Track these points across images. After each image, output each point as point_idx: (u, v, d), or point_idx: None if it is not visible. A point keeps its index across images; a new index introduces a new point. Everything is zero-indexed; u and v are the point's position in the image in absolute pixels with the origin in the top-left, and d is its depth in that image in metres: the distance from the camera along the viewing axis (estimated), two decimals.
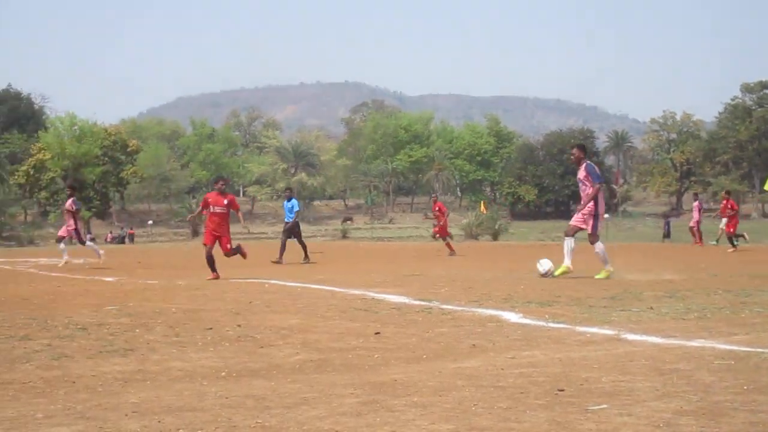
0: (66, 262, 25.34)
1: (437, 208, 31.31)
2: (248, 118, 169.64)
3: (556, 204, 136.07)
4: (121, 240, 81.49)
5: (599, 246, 16.75)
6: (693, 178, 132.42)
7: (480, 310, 10.77)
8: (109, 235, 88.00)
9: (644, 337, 8.32)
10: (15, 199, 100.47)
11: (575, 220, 17.01)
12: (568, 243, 16.84)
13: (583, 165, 16.95)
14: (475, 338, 8.48)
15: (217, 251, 18.72)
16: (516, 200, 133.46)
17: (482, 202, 62.73)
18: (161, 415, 5.36)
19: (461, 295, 12.91)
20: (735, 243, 32.08)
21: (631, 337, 8.38)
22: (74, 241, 26.81)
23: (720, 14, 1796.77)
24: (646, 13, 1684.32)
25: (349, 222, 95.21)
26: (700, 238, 36.99)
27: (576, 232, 16.95)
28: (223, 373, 6.87)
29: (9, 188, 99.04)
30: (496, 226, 58.25)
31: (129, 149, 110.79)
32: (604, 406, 5.42)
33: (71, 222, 25.89)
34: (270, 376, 6.70)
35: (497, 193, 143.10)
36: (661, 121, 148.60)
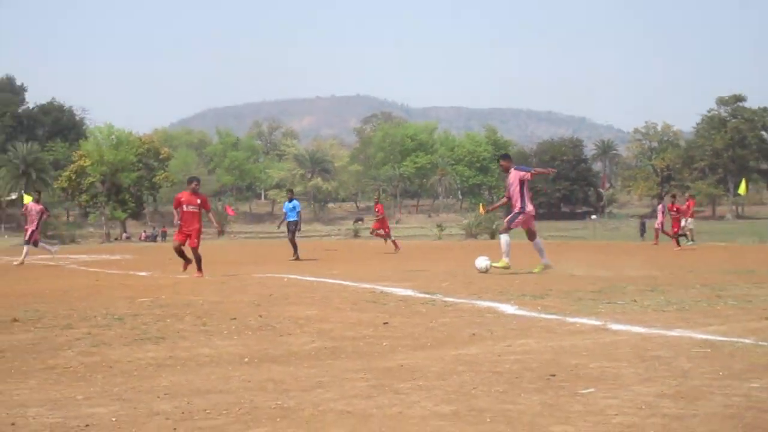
0: (21, 263, 25.18)
1: (377, 210, 32.08)
2: (269, 128, 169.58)
3: (548, 206, 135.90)
4: (153, 238, 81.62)
5: (505, 237, 16.76)
6: (673, 183, 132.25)
7: (479, 302, 10.76)
8: (143, 233, 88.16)
9: (628, 327, 8.30)
10: (58, 201, 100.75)
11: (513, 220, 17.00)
12: (503, 238, 16.89)
13: (512, 170, 16.95)
14: (474, 328, 8.47)
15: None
16: None
17: (481, 204, 62.65)
18: (190, 397, 5.37)
19: (462, 288, 12.90)
20: (681, 242, 31.68)
21: (616, 327, 8.36)
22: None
23: (698, 34, 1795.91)
24: (631, 31, 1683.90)
25: (359, 222, 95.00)
26: (656, 237, 36.44)
27: (510, 230, 16.99)
28: (246, 359, 6.87)
29: (53, 192, 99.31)
30: (494, 226, 58.19)
31: (161, 156, 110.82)
32: (592, 389, 5.42)
33: (36, 224, 25.88)
34: (288, 362, 6.70)
35: (494, 197, 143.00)
36: (643, 131, 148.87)
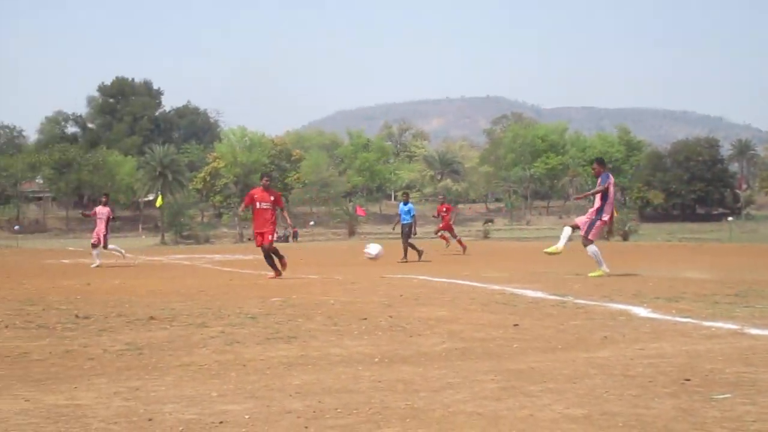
0: (98, 265, 25.54)
1: (444, 209, 31.88)
2: (399, 130, 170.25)
3: (682, 207, 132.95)
4: (285, 239, 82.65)
5: (592, 248, 16.51)
6: None
7: (611, 305, 10.61)
8: (275, 234, 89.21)
9: (767, 332, 8.08)
10: (193, 202, 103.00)
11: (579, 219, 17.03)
12: (567, 231, 16.91)
13: (602, 175, 16.80)
14: (606, 330, 8.36)
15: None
16: (644, 204, 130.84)
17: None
18: (321, 396, 5.43)
19: (593, 290, 12.74)
20: None
21: (754, 331, 8.14)
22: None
23: None
24: None
25: (490, 223, 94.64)
26: None
27: (577, 228, 16.90)
28: (376, 359, 6.91)
29: (188, 193, 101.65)
30: (626, 228, 57.31)
31: (293, 158, 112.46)
32: (728, 395, 5.29)
33: (102, 227, 26.20)
34: (418, 363, 6.72)
35: (627, 198, 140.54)
36: None
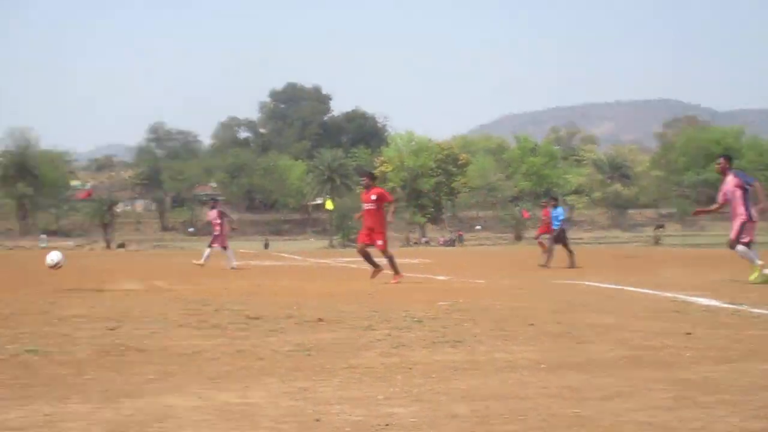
0: (233, 267, 25.75)
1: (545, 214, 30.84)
2: (567, 134, 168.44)
3: None
4: (451, 243, 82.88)
5: (742, 248, 15.66)
6: None
7: None
8: (441, 239, 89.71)
9: None
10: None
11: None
12: (741, 249, 15.88)
13: (730, 174, 15.95)
14: None
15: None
16: None
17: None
18: (488, 401, 5.41)
19: None
20: None
21: None
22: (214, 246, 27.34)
23: None
24: None
25: (661, 229, 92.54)
26: None
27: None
28: (543, 366, 6.85)
29: (356, 197, 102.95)
30: None
31: (459, 162, 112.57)
32: None
33: (218, 228, 26.62)
34: (586, 370, 6.63)
35: None
36: None
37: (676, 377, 6.25)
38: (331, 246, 78.50)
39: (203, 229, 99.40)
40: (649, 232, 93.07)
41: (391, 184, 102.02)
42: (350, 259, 30.73)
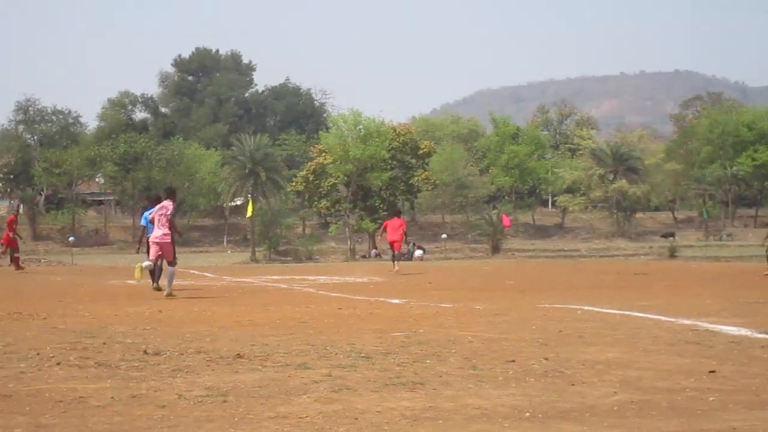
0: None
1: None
2: (559, 115, 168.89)
3: None
4: (409, 256, 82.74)
5: None
6: None
7: None
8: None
9: None
10: (292, 208, 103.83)
11: None
12: None
13: None
14: None
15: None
16: None
17: None
18: None
19: None
20: None
21: None
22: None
23: None
24: None
25: (672, 238, 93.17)
26: None
27: None
28: (527, 414, 6.89)
29: (286, 196, 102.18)
30: None
31: (420, 151, 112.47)
32: None
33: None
34: (582, 419, 6.68)
35: None
36: None
37: (696, 428, 6.33)
38: (254, 260, 78.27)
39: (88, 239, 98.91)
40: (662, 242, 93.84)
41: (331, 181, 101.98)
42: (279, 277, 30.69)
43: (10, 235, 38.72)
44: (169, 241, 22.29)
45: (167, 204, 22.32)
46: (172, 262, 22.47)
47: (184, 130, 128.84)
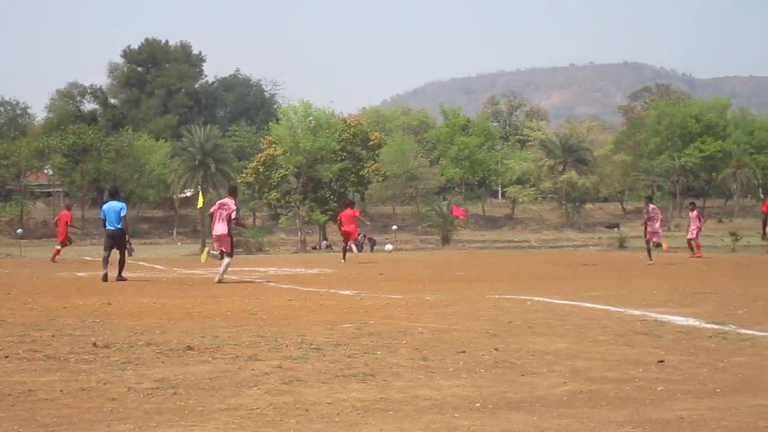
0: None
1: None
2: (508, 107, 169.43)
3: None
4: (360, 247, 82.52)
5: None
6: None
7: None
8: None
9: None
10: (242, 200, 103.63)
11: None
12: None
13: None
14: None
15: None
16: None
17: None
18: None
19: (764, 317, 12.57)
20: None
21: None
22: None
23: None
24: None
25: (616, 229, 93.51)
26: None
27: None
28: (478, 404, 6.90)
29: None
30: None
31: (371, 143, 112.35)
32: None
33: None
34: (532, 409, 6.70)
35: None
36: None
37: (644, 417, 6.36)
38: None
39: (36, 231, 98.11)
40: (610, 233, 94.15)
41: (281, 172, 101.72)
42: (231, 269, 30.61)
43: None
44: (228, 234, 23.66)
45: (229, 202, 23.74)
46: (230, 254, 24.00)
47: (133, 121, 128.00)
